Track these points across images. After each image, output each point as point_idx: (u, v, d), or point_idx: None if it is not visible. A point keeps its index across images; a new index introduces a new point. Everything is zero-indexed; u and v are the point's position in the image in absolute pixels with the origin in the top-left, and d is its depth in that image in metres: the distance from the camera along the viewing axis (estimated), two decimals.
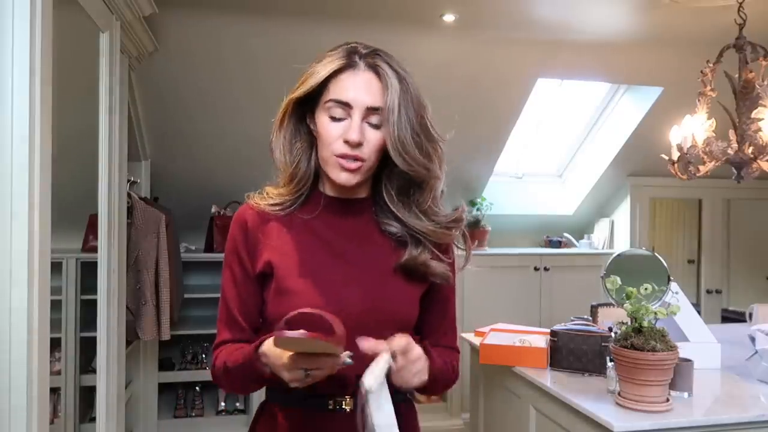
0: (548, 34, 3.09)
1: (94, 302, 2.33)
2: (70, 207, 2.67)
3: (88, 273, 2.93)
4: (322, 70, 1.05)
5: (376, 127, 1.05)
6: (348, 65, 1.05)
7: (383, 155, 1.08)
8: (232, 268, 1.13)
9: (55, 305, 2.82)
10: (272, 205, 1.12)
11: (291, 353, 0.93)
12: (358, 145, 1.03)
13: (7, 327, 1.42)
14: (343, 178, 1.06)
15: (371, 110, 1.04)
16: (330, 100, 1.05)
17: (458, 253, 1.19)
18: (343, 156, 1.04)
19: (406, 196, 1.12)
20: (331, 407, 1.07)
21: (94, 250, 2.35)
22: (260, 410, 1.18)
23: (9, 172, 1.42)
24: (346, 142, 1.03)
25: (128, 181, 2.91)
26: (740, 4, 2.48)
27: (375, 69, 1.05)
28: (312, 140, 1.11)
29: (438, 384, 1.11)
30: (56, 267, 2.89)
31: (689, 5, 2.76)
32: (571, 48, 3.24)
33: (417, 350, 1.00)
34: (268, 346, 0.98)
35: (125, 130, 2.56)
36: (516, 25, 3.00)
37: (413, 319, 1.13)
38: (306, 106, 1.10)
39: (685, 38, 3.12)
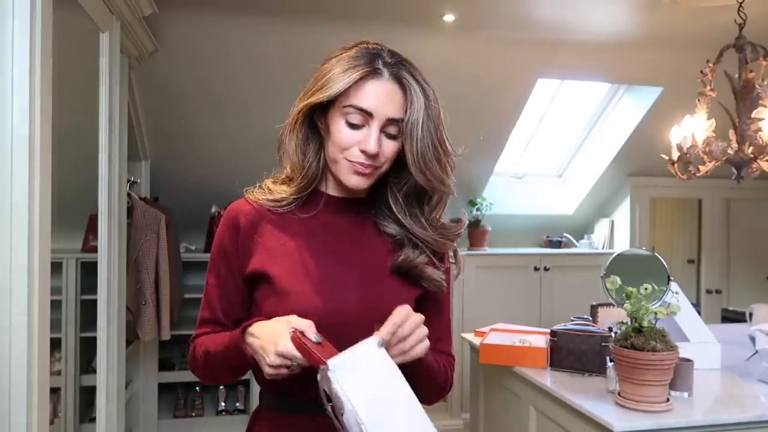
0: (548, 34, 3.09)
1: (94, 302, 2.33)
2: (70, 207, 2.67)
3: (88, 273, 2.93)
4: (345, 78, 1.01)
5: (393, 137, 1.04)
6: (372, 72, 1.02)
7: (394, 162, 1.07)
8: (217, 267, 1.11)
9: (55, 305, 2.83)
10: (272, 201, 1.10)
11: (293, 341, 0.91)
12: (374, 156, 1.03)
13: (7, 327, 1.42)
14: (354, 181, 1.05)
15: (390, 121, 1.02)
16: (350, 106, 1.02)
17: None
18: (359, 164, 1.04)
19: (413, 202, 1.11)
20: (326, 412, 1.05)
21: (94, 250, 2.35)
22: (255, 415, 1.16)
23: (9, 171, 1.42)
24: (363, 151, 1.02)
25: (128, 181, 2.91)
26: (740, 4, 2.49)
27: (400, 80, 1.03)
28: (323, 138, 1.09)
29: (428, 382, 1.08)
30: (56, 267, 2.89)
31: (689, 5, 2.76)
32: (571, 48, 3.23)
33: (415, 317, 0.95)
34: (260, 327, 0.97)
35: (125, 130, 2.56)
36: (516, 25, 3.00)
37: None
38: (317, 103, 1.07)
39: (685, 38, 3.12)
